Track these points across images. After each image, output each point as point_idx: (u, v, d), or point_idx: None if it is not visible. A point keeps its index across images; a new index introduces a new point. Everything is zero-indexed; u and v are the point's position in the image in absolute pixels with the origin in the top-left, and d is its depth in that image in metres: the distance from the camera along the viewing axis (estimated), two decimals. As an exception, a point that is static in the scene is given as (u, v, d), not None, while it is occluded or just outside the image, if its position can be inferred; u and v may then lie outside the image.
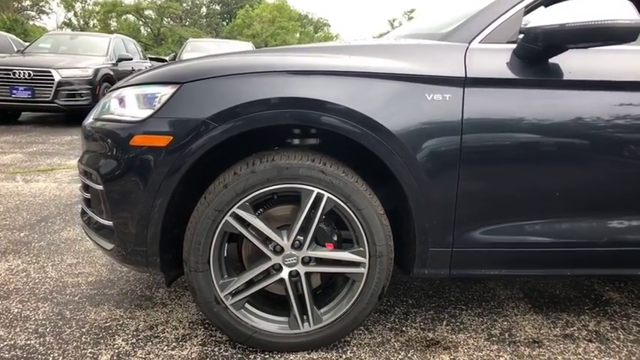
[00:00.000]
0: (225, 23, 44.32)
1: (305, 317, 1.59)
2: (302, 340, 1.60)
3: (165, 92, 1.48)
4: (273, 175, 1.47)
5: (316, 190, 1.50)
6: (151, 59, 10.39)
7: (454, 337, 1.78)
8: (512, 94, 1.52)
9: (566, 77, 1.53)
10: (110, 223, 1.56)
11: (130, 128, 1.48)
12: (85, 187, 1.71)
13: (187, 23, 39.86)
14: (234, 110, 1.42)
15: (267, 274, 1.58)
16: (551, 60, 1.53)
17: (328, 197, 1.51)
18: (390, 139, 1.46)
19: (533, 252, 1.62)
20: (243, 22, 39.02)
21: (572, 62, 1.52)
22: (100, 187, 1.55)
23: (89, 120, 1.73)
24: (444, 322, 1.88)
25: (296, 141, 1.68)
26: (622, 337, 1.83)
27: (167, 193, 1.47)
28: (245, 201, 1.49)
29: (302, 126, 1.58)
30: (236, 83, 1.46)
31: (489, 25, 1.59)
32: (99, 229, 1.64)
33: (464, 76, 1.50)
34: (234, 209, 1.49)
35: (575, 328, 1.88)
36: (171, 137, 1.44)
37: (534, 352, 1.69)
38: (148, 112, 1.48)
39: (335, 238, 1.62)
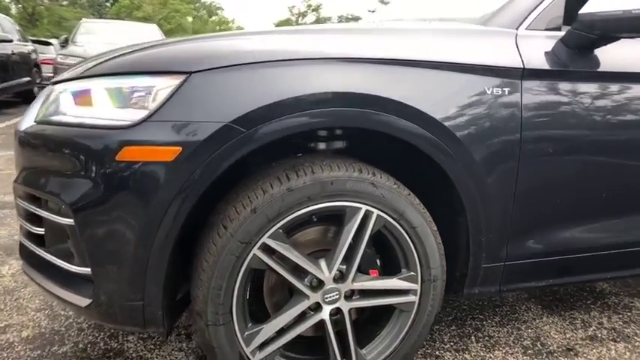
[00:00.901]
0: (108, 4, 40.39)
1: (346, 361, 1.30)
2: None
3: (163, 85, 1.06)
4: (315, 191, 1.14)
5: (364, 208, 1.20)
6: (32, 42, 8.90)
7: (492, 355, 1.61)
8: (566, 86, 1.36)
9: (621, 69, 1.41)
10: (86, 270, 1.10)
11: (114, 136, 1.04)
12: (32, 219, 1.22)
13: (66, 2, 35.48)
14: (271, 110, 1.06)
15: (302, 316, 1.25)
16: (603, 50, 1.39)
17: (378, 215, 1.22)
18: (451, 141, 1.22)
19: (585, 257, 1.50)
20: (131, 3, 35.89)
21: (626, 52, 1.40)
22: (69, 221, 1.08)
23: (28, 123, 1.23)
24: (473, 338, 1.71)
25: (321, 145, 1.35)
26: (637, 331, 1.82)
27: (174, 224, 1.06)
28: (278, 227, 1.14)
29: (351, 128, 1.25)
30: (270, 74, 1.09)
31: (534, 9, 1.40)
32: (65, 278, 1.16)
33: (522, 67, 1.30)
34: (264, 239, 1.13)
35: (593, 327, 1.83)
36: (180, 148, 1.03)
37: (575, 362, 1.60)
38: (140, 114, 1.05)
39: (378, 263, 1.34)
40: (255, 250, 1.13)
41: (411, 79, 1.21)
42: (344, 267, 1.24)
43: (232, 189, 1.18)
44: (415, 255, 1.28)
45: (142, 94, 1.07)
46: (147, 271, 1.08)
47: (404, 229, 1.25)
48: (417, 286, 1.31)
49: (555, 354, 1.64)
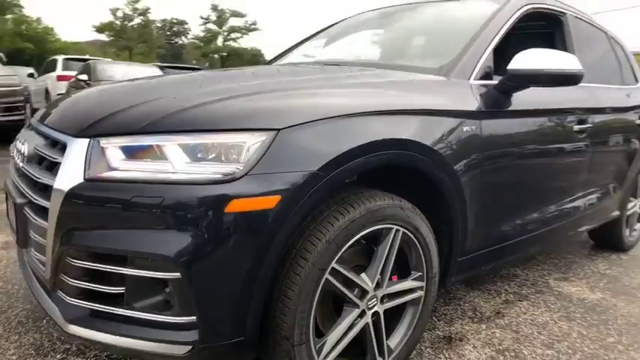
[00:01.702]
0: None
1: (380, 353, 1.58)
2: (380, 376, 1.58)
3: (254, 141, 1.18)
4: (366, 220, 1.39)
5: (395, 227, 1.50)
6: None
7: (452, 328, 2.07)
8: (501, 120, 1.88)
9: (529, 107, 1.99)
10: (190, 318, 1.15)
11: (220, 190, 1.13)
12: (107, 278, 1.19)
13: None
14: (345, 156, 1.27)
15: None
16: (517, 94, 1.94)
17: (403, 232, 1.53)
18: (446, 168, 1.60)
19: (515, 242, 2.05)
20: None
21: (531, 96, 1.97)
22: (174, 275, 1.11)
23: (73, 182, 1.18)
24: (434, 319, 2.15)
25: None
26: (531, 291, 2.51)
27: (272, 262, 1.21)
28: (342, 253, 1.36)
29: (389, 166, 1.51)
30: (339, 126, 1.30)
31: (477, 63, 1.88)
32: (165, 328, 1.17)
33: (480, 109, 1.76)
34: (333, 264, 1.35)
35: (503, 294, 2.46)
36: (279, 196, 1.18)
37: (505, 320, 2.16)
38: (238, 168, 1.15)
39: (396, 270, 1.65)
40: (327, 275, 1.33)
41: (418, 124, 1.55)
42: (379, 277, 1.52)
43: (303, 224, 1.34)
44: (423, 259, 1.63)
45: (234, 150, 1.18)
46: (250, 307, 1.19)
47: (418, 240, 1.59)
48: (423, 284, 1.66)
49: (491, 317, 2.19)
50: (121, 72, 8.59)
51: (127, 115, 1.29)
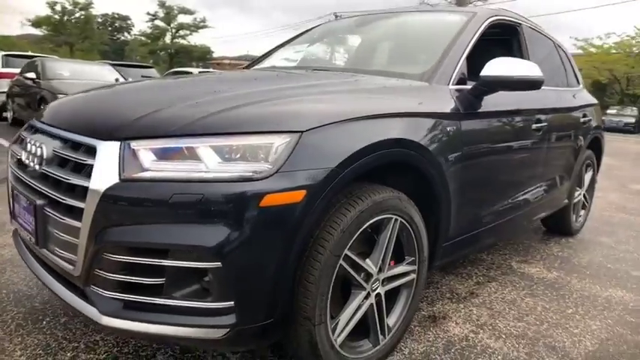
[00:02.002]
0: None
1: (381, 331, 1.75)
2: (380, 351, 1.75)
3: (281, 142, 1.31)
4: (373, 210, 1.56)
5: (394, 217, 1.68)
6: None
7: (435, 308, 2.29)
8: (476, 120, 2.11)
9: (497, 109, 2.23)
10: (228, 303, 1.26)
11: (255, 186, 1.25)
12: (148, 270, 1.27)
13: None
14: (359, 154, 1.43)
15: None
16: (487, 97, 2.18)
17: (401, 221, 1.71)
18: (434, 163, 1.80)
19: (489, 227, 2.30)
20: None
21: (498, 98, 2.21)
22: (215, 264, 1.22)
23: (108, 182, 1.27)
24: (421, 301, 2.35)
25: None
26: (498, 273, 2.79)
27: (297, 250, 1.34)
28: (353, 241, 1.52)
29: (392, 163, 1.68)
30: (353, 128, 1.46)
31: (454, 70, 2.10)
32: (203, 314, 1.28)
33: (460, 111, 1.97)
34: (346, 251, 1.50)
35: (474, 276, 2.72)
36: (305, 191, 1.31)
37: (479, 299, 2.41)
38: (269, 167, 1.28)
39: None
40: (341, 261, 1.49)
41: (413, 125, 1.74)
42: (381, 262, 1.69)
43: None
44: (415, 245, 1.82)
45: (262, 150, 1.30)
46: (280, 291, 1.33)
47: (412, 228, 1.77)
48: (415, 268, 1.85)
49: (467, 297, 2.43)
50: (72, 70, 8.28)
51: (154, 119, 1.38)
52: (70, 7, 38.21)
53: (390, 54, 2.56)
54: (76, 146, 1.45)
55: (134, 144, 1.32)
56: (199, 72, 13.90)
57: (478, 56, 2.21)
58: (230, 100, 1.47)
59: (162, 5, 39.33)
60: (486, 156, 2.17)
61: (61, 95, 6.99)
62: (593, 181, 3.91)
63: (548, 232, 3.72)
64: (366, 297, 1.66)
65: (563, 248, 3.39)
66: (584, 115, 3.36)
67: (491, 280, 2.68)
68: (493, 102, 2.19)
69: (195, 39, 41.45)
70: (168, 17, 39.95)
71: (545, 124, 2.68)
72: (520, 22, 2.83)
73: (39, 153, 1.52)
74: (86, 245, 1.32)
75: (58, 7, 37.82)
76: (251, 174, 1.27)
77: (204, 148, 1.30)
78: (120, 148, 1.32)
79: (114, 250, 1.29)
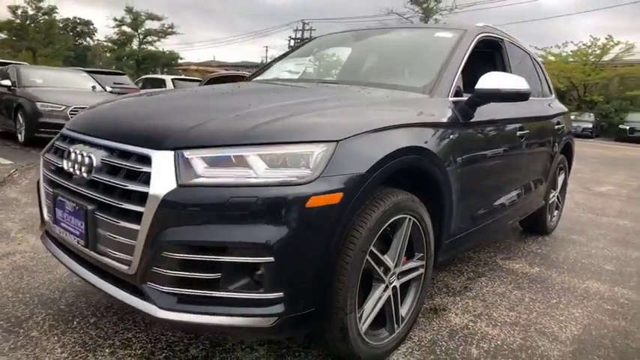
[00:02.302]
0: None
1: (396, 321, 1.93)
2: (395, 339, 1.93)
3: (319, 150, 1.48)
4: (392, 211, 1.75)
5: (408, 217, 1.87)
6: None
7: (434, 302, 2.49)
8: (472, 128, 2.33)
9: (490, 118, 2.47)
10: (278, 294, 1.41)
11: (303, 190, 1.41)
12: (206, 266, 1.41)
13: None
14: (385, 159, 1.62)
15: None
16: (480, 108, 2.41)
17: (414, 221, 1.91)
18: (441, 168, 2.01)
19: (482, 226, 2.52)
20: None
21: (489, 108, 2.45)
22: (268, 259, 1.38)
23: (167, 188, 1.40)
24: (419, 295, 2.55)
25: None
26: (486, 269, 3.02)
27: (334, 246, 1.51)
28: (376, 238, 1.70)
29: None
30: (379, 136, 1.65)
31: (452, 84, 2.32)
32: (254, 305, 1.42)
33: (460, 121, 2.20)
34: (371, 247, 1.68)
35: (465, 272, 2.95)
36: (342, 194, 1.49)
37: (473, 293, 2.63)
38: (311, 172, 1.45)
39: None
40: (367, 257, 1.66)
41: (424, 134, 1.94)
42: (397, 258, 1.87)
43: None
44: (424, 242, 2.02)
45: (304, 158, 1.47)
46: (324, 283, 1.49)
47: (422, 226, 1.97)
48: (424, 263, 2.05)
49: (462, 291, 2.65)
50: (47, 77, 8.14)
51: (204, 130, 1.53)
52: (32, 12, 36.98)
53: (391, 67, 2.77)
54: (125, 155, 1.57)
55: (187, 153, 1.46)
56: (173, 79, 13.90)
57: (468, 70, 2.45)
58: (267, 113, 1.63)
59: (129, 11, 38.62)
60: (481, 160, 2.40)
61: (39, 103, 6.91)
62: (565, 183, 4.24)
63: (525, 232, 4.02)
64: (385, 289, 1.84)
65: (540, 246, 3.68)
66: (558, 123, 3.67)
67: (480, 276, 2.92)
68: (485, 112, 2.43)
69: (161, 45, 40.78)
70: (136, 23, 39.28)
71: (528, 131, 2.95)
72: (502, 37, 3.10)
73: (87, 162, 1.62)
74: (144, 245, 1.44)
75: (19, 11, 36.52)
76: (295, 179, 1.44)
77: (253, 156, 1.45)
78: (175, 157, 1.45)
79: (175, 248, 1.41)
